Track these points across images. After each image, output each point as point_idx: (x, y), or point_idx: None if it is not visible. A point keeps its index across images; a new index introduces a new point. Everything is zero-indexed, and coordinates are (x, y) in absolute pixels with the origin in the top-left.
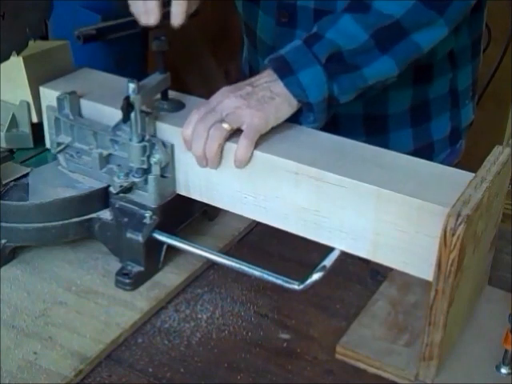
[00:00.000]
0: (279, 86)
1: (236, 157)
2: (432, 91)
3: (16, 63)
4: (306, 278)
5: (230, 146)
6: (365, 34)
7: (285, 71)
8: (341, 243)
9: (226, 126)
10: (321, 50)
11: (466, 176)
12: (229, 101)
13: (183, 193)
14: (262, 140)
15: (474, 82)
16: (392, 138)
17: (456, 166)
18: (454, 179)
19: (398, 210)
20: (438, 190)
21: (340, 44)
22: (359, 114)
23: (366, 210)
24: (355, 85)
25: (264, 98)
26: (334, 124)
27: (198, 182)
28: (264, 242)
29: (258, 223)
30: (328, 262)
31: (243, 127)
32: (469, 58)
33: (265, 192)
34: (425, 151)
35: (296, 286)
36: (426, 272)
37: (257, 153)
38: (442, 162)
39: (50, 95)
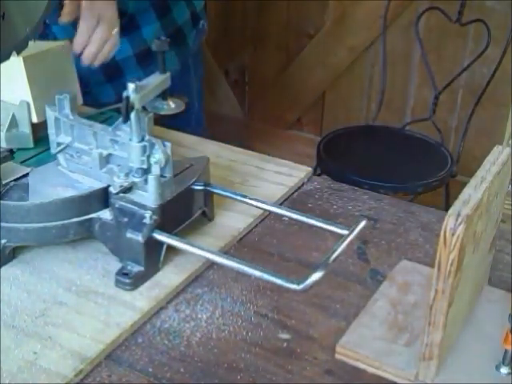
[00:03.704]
0: None
1: None
2: None
3: (16, 63)
4: (306, 278)
5: None
6: None
7: None
8: None
9: None
10: None
11: None
12: None
13: None
14: None
15: None
16: (144, 32)
17: None
18: None
19: None
20: None
21: None
22: None
23: None
24: None
25: None
26: None
27: None
28: (264, 242)
29: (258, 223)
30: (329, 260)
31: None
32: None
33: None
34: (177, 35)
35: (296, 286)
36: None
37: None
38: (193, 40)
39: None
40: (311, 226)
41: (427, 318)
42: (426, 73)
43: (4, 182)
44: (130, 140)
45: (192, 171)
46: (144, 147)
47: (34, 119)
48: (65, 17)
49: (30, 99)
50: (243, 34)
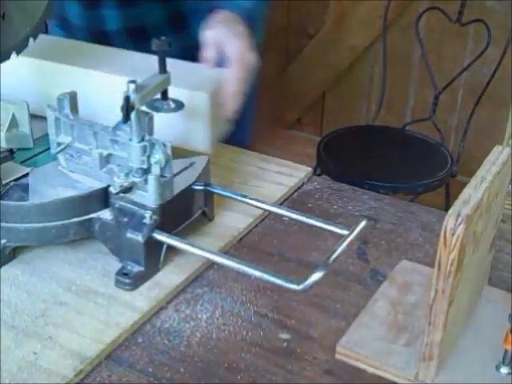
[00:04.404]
0: None
1: None
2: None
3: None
4: (306, 278)
5: None
6: None
7: None
8: None
9: None
10: None
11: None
12: None
13: None
14: None
15: None
16: None
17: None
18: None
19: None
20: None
21: None
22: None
23: None
24: None
25: None
26: None
27: None
28: (264, 242)
29: (258, 223)
30: (329, 260)
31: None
32: None
33: None
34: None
35: (296, 286)
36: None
37: None
38: None
39: None
40: (311, 226)
41: (427, 318)
42: (426, 73)
43: (4, 182)
44: (130, 140)
45: (192, 171)
46: (144, 147)
47: (209, 151)
48: (208, 62)
49: (208, 133)
50: None
